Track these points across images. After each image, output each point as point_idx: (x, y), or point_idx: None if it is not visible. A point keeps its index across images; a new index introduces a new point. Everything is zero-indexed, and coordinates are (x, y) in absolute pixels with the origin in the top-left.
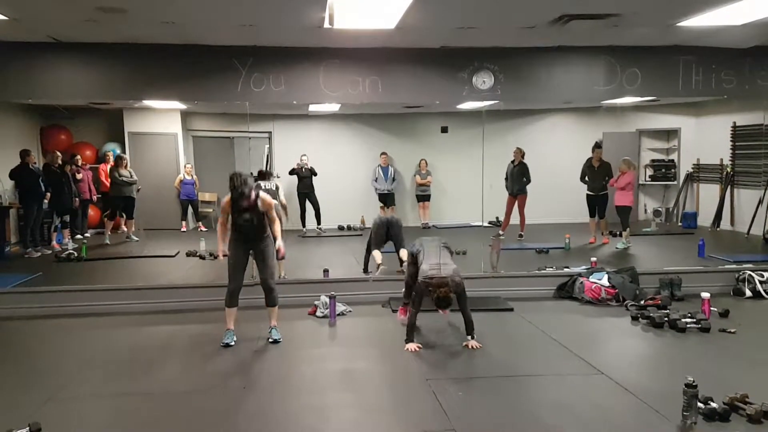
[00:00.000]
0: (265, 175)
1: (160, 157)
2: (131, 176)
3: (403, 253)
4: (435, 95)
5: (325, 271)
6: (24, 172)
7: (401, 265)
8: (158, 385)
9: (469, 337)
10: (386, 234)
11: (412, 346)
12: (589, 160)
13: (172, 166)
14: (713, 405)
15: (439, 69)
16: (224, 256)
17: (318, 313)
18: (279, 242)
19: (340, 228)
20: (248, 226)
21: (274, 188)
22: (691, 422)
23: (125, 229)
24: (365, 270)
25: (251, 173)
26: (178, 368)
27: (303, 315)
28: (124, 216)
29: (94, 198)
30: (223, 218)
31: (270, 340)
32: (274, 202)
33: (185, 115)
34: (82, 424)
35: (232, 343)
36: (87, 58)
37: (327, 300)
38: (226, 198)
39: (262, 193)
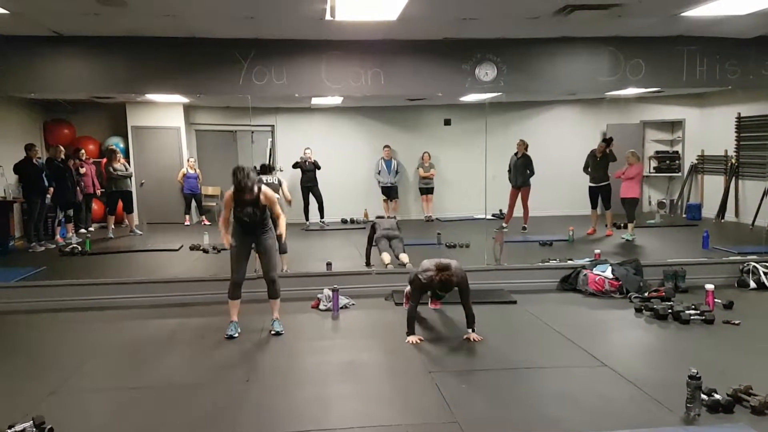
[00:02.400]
0: (267, 169)
1: (163, 151)
2: (126, 169)
3: (404, 257)
4: (437, 87)
5: (328, 264)
6: (28, 167)
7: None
8: (161, 378)
9: (470, 330)
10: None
11: (413, 338)
12: (593, 151)
13: (175, 160)
14: (717, 397)
15: (441, 61)
16: (231, 246)
17: (321, 306)
18: (281, 230)
19: (344, 221)
20: (251, 222)
21: (276, 182)
22: (694, 414)
23: (128, 222)
24: (367, 263)
25: (254, 167)
26: (182, 361)
27: (306, 308)
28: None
29: (98, 192)
30: (226, 212)
31: (272, 332)
32: (278, 196)
33: (188, 109)
34: (86, 416)
35: (236, 335)
36: (89, 52)
37: (330, 293)
38: (229, 191)
39: (264, 188)
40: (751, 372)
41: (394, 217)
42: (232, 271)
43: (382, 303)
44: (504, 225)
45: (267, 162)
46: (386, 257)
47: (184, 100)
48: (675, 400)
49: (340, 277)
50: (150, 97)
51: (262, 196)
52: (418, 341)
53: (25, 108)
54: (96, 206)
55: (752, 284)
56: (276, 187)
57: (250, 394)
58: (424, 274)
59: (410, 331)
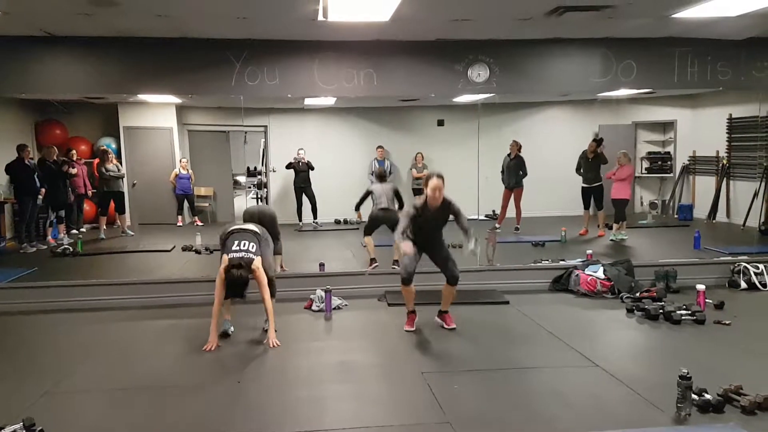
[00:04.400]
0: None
1: (156, 152)
2: (118, 170)
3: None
4: (430, 88)
5: (321, 265)
6: (19, 167)
7: (396, 257)
8: (154, 379)
9: (473, 240)
10: (380, 221)
11: (407, 245)
12: (585, 152)
13: (167, 161)
14: (707, 397)
15: (434, 62)
16: (216, 347)
17: (314, 307)
18: (270, 331)
19: (337, 222)
20: (236, 280)
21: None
22: (685, 414)
23: (119, 223)
24: (357, 208)
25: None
26: (174, 362)
27: (299, 309)
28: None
29: (90, 193)
30: (220, 293)
31: (265, 329)
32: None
33: (180, 110)
34: (78, 418)
35: (230, 331)
36: (80, 52)
37: (323, 294)
38: (221, 272)
39: (257, 263)
40: (741, 372)
41: (391, 182)
42: None
43: (375, 303)
44: (497, 226)
45: (260, 162)
46: (370, 245)
47: (177, 100)
48: (666, 400)
49: (333, 278)
50: (142, 97)
51: (254, 268)
52: (412, 250)
53: (16, 108)
54: (88, 207)
55: (743, 284)
56: (273, 217)
57: (243, 395)
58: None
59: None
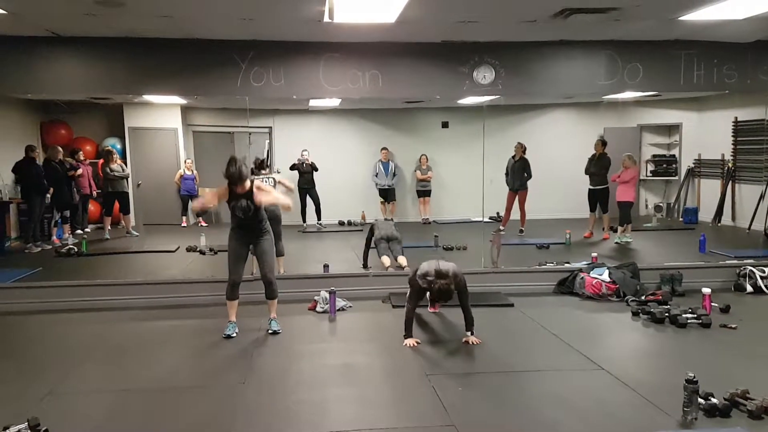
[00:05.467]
0: (263, 164)
1: (161, 153)
2: (122, 170)
3: (402, 260)
4: (435, 90)
5: (325, 266)
6: (30, 167)
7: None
8: (158, 380)
9: (469, 333)
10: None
11: (410, 341)
12: (593, 154)
13: (172, 162)
14: (714, 401)
15: (439, 63)
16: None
17: (318, 309)
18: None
19: (341, 223)
20: (245, 217)
21: (271, 182)
22: (691, 418)
23: (124, 223)
24: (365, 265)
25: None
26: (178, 363)
27: (303, 310)
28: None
29: (94, 193)
30: (213, 195)
31: (269, 331)
32: (273, 190)
33: (185, 110)
34: (82, 418)
35: (234, 335)
36: (86, 53)
37: (327, 295)
38: (223, 186)
39: (257, 181)
40: (748, 376)
41: (392, 219)
42: (230, 271)
43: (379, 305)
44: (501, 228)
45: (263, 159)
46: (386, 260)
47: (182, 101)
48: (672, 403)
49: (337, 279)
50: (147, 98)
51: (255, 189)
52: (416, 344)
53: (22, 109)
54: (92, 207)
55: (749, 288)
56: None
57: (246, 397)
58: (423, 279)
59: (408, 334)
